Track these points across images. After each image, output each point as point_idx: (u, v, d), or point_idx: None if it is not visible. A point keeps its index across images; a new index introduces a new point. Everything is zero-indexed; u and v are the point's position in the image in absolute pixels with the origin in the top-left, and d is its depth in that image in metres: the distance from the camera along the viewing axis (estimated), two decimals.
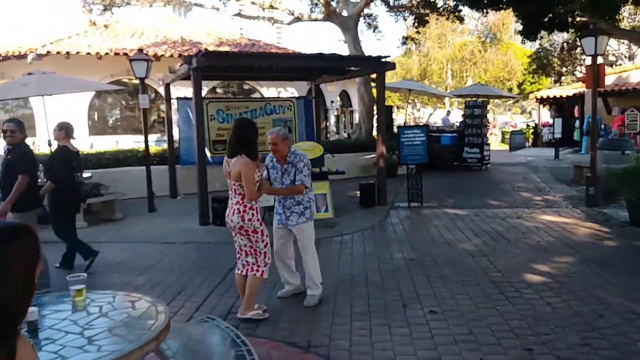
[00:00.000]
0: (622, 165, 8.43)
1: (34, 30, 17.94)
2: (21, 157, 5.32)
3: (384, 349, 3.93)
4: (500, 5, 11.20)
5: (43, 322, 2.59)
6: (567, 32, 14.41)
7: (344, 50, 18.17)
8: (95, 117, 16.08)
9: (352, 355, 3.86)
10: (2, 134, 5.64)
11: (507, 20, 34.44)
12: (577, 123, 20.87)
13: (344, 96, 24.40)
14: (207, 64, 8.29)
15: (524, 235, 7.36)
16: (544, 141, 24.52)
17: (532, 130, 26.68)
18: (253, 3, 17.45)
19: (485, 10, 12.45)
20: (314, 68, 11.06)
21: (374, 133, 14.16)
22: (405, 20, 20.40)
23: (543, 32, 13.62)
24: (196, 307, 4.88)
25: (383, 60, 9.65)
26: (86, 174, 9.53)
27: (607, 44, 9.14)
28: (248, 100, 12.97)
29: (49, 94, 8.90)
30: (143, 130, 9.97)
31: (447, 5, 17.25)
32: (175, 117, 11.57)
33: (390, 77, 24.17)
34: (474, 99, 17.77)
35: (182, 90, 12.79)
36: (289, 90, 17.52)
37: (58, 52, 13.92)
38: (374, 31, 19.57)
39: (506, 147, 24.94)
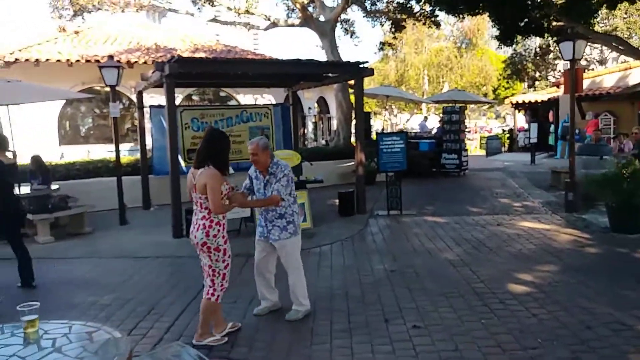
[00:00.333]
0: (601, 170, 8.40)
1: (1, 38, 17.42)
2: None
3: None
4: (477, 10, 11.17)
5: None
6: (543, 37, 14.49)
7: (321, 56, 18.12)
8: (67, 126, 15.62)
9: None
10: None
11: (482, 26, 34.84)
12: (552, 128, 21.08)
13: (322, 103, 24.25)
14: (180, 71, 8.03)
15: (505, 243, 7.25)
16: (520, 146, 24.71)
17: (507, 135, 26.88)
18: (229, 9, 17.21)
19: (461, 15, 12.43)
20: (291, 74, 10.88)
21: (352, 140, 14.03)
22: (382, 25, 20.40)
23: (518, 38, 13.65)
24: (167, 327, 4.61)
25: (361, 66, 9.50)
26: (54, 186, 9.18)
27: (585, 49, 9.12)
28: (224, 108, 12.70)
29: (13, 103, 8.56)
30: (114, 140, 9.63)
31: (423, 11, 17.24)
32: (148, 125, 11.24)
33: (367, 83, 23.97)
34: (451, 104, 17.76)
35: (157, 98, 12.46)
36: (266, 97, 17.29)
37: (27, 60, 13.48)
38: (351, 37, 19.49)
39: (482, 152, 25.07)
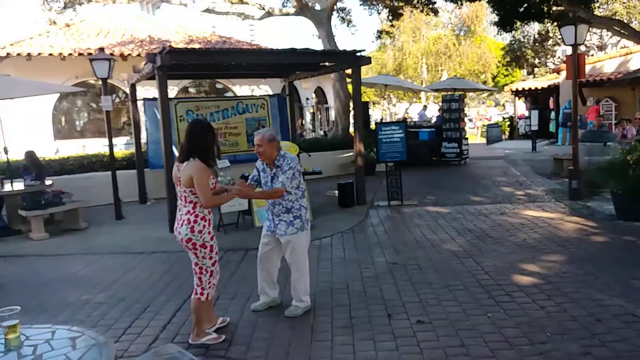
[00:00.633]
0: (605, 157, 8.23)
1: None
2: None
3: None
4: None
5: None
6: (543, 22, 14.26)
7: (318, 45, 17.81)
8: (62, 121, 15.40)
9: None
10: None
11: (481, 13, 34.49)
12: (553, 115, 20.90)
13: (319, 93, 24.01)
14: (172, 62, 7.81)
15: (509, 232, 7.09)
16: (520, 133, 24.56)
17: (508, 122, 26.70)
18: None
19: (460, 2, 12.20)
20: (287, 64, 10.64)
21: (351, 130, 13.83)
22: (379, 13, 20.14)
23: (518, 24, 13.41)
24: (162, 325, 4.45)
25: (358, 54, 9.28)
26: (48, 182, 9.01)
27: (587, 33, 8.91)
28: (219, 100, 12.46)
29: (3, 98, 8.37)
30: (107, 134, 9.44)
31: None
32: (142, 118, 11.04)
33: (365, 72, 23.83)
34: (450, 92, 17.56)
35: (151, 90, 12.24)
36: (263, 88, 17.06)
37: (19, 54, 13.24)
38: (347, 25, 19.21)
39: (483, 140, 24.87)
